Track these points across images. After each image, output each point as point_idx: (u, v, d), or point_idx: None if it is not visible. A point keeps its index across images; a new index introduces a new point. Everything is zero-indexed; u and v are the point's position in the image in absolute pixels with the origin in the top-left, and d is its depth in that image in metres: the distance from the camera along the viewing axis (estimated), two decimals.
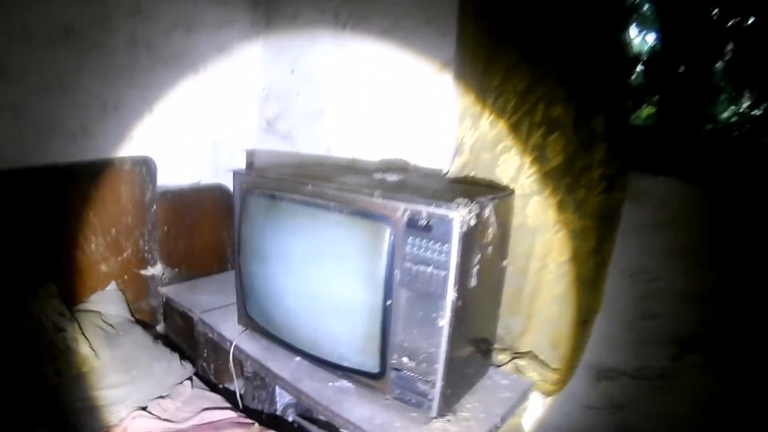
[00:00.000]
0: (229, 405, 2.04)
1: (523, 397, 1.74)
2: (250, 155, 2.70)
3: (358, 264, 1.53)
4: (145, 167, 2.38)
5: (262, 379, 2.22)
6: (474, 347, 1.63)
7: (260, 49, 2.75)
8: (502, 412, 1.60)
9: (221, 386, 2.34)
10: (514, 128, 1.73)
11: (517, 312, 1.80)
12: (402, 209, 1.42)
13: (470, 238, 1.38)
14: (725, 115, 2.07)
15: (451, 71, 1.92)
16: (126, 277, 2.40)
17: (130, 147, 2.38)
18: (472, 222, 1.36)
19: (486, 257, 1.49)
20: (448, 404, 1.53)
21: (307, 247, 1.66)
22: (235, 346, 1.97)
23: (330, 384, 1.70)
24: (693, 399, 1.64)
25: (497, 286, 1.69)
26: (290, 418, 2.38)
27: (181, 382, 2.12)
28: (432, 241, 1.37)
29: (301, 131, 2.62)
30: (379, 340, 1.51)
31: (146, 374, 2.03)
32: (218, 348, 2.17)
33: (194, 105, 2.58)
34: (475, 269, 1.45)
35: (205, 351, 2.32)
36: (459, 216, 1.32)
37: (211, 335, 2.16)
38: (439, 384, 1.45)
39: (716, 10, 1.97)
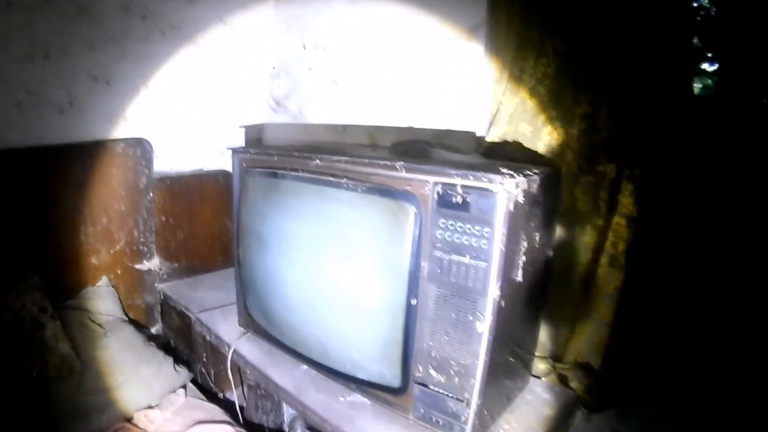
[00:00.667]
0: (226, 418, 1.82)
1: (568, 413, 1.51)
2: (254, 131, 2.45)
3: (376, 253, 1.28)
4: (139, 149, 2.17)
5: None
6: (516, 356, 1.36)
7: (269, 21, 2.51)
8: None
9: (222, 395, 2.10)
10: (558, 95, 1.51)
11: (563, 314, 1.58)
12: (431, 183, 1.16)
13: (517, 220, 1.11)
14: None
15: (481, 33, 1.70)
16: (119, 271, 2.19)
17: (124, 127, 2.18)
18: (520, 199, 1.09)
19: (533, 245, 1.23)
20: (484, 426, 1.29)
21: (314, 233, 1.42)
22: (234, 350, 1.74)
23: (341, 398, 1.47)
24: None
25: (543, 282, 1.42)
26: None
27: (174, 390, 1.90)
28: (469, 224, 1.11)
29: (313, 109, 2.39)
30: (401, 347, 1.27)
31: (133, 380, 1.82)
32: (218, 352, 1.94)
33: (195, 82, 2.36)
34: (522, 260, 1.17)
35: (204, 355, 2.08)
36: (505, 190, 1.05)
37: (209, 337, 1.93)
38: (475, 403, 1.19)
39: None
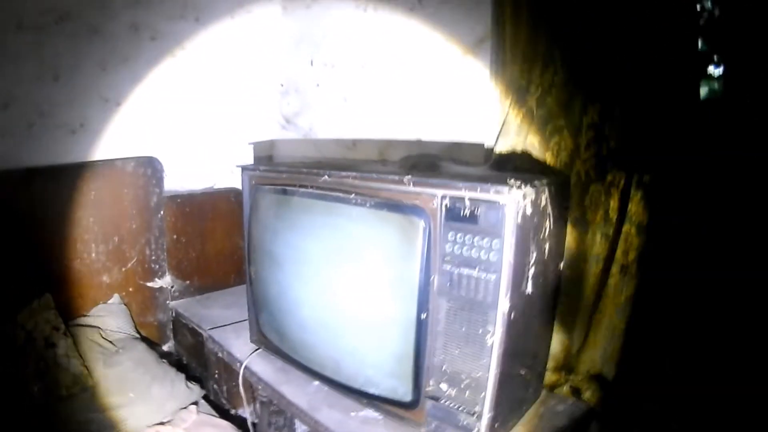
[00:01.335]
0: None
1: (582, 426, 1.47)
2: (263, 148, 2.47)
3: (386, 268, 1.28)
4: (150, 168, 2.19)
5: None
6: (528, 369, 1.34)
7: (277, 41, 2.53)
8: None
9: (234, 412, 2.09)
10: (566, 104, 1.50)
11: (574, 324, 1.55)
12: (439, 197, 1.15)
13: (526, 231, 1.11)
14: None
15: (487, 46, 1.69)
16: (131, 289, 2.20)
17: (135, 146, 2.20)
18: (528, 210, 1.08)
19: (542, 257, 1.22)
20: None
21: (325, 249, 1.42)
22: (245, 367, 1.73)
23: (353, 414, 1.45)
24: None
25: (554, 294, 1.41)
26: None
27: (185, 407, 1.88)
28: (478, 236, 1.10)
29: (323, 126, 2.40)
30: (412, 362, 1.25)
31: (145, 397, 1.81)
32: (230, 369, 1.93)
33: (205, 100, 2.39)
34: (531, 272, 1.16)
35: (216, 372, 2.07)
36: (513, 201, 1.04)
37: (221, 354, 1.93)
38: (486, 416, 1.17)
39: None
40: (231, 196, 2.47)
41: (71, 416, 1.69)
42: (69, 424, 1.67)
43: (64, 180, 1.98)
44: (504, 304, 1.10)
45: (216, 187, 2.48)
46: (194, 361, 2.23)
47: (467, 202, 1.11)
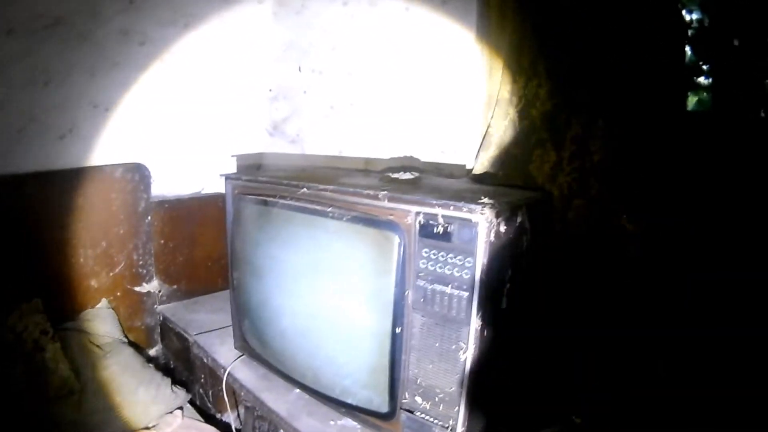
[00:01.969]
0: None
1: None
2: (250, 157, 2.47)
3: (362, 282, 1.28)
4: (138, 174, 2.19)
5: None
6: (506, 384, 1.34)
7: (267, 46, 2.53)
8: None
9: (219, 416, 2.09)
10: (550, 117, 1.50)
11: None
12: (413, 213, 1.16)
13: (500, 250, 1.11)
14: None
15: (473, 55, 1.67)
16: (118, 293, 2.20)
17: (123, 152, 2.19)
18: (502, 228, 1.09)
19: (519, 273, 1.22)
20: None
21: (304, 261, 1.42)
22: (228, 373, 1.74)
23: (331, 422, 1.46)
24: None
25: (536, 307, 1.40)
26: None
27: (171, 411, 1.89)
28: (452, 254, 1.11)
29: (310, 133, 2.40)
30: (388, 374, 1.26)
31: (131, 401, 1.83)
32: (215, 374, 1.94)
33: (193, 106, 2.38)
34: (506, 288, 1.16)
35: (202, 376, 2.08)
36: (484, 220, 1.05)
37: (206, 360, 1.94)
38: (459, 430, 1.17)
39: None
40: (219, 202, 2.44)
41: (58, 419, 1.70)
42: (56, 427, 1.68)
43: (52, 185, 1.98)
44: (476, 322, 1.10)
45: (204, 192, 2.48)
46: (181, 365, 2.24)
47: (441, 219, 1.11)
